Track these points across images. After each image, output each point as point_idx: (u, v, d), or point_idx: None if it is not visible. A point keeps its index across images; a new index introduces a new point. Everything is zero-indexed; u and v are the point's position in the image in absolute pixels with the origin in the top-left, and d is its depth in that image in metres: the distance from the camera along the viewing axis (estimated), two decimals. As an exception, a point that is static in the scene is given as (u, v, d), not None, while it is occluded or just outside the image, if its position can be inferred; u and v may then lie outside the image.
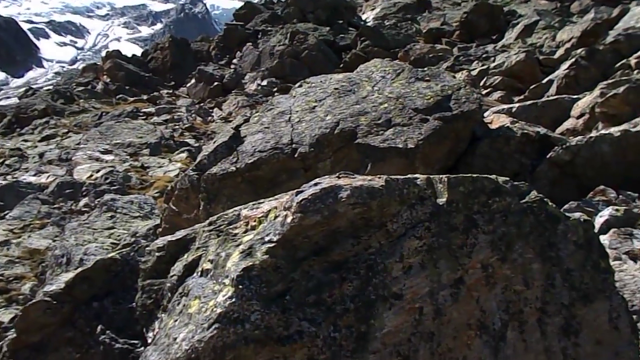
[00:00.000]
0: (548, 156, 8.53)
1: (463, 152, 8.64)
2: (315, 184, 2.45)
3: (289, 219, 2.37)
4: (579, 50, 13.38)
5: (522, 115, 10.56)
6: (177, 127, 18.34)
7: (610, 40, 12.81)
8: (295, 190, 2.45)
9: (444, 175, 2.83)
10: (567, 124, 10.44)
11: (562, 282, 2.90)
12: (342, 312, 2.37)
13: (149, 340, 2.68)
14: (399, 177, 2.70)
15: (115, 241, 9.69)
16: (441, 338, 2.53)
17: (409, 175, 2.78)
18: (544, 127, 9.55)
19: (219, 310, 2.18)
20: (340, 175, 2.60)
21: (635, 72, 11.28)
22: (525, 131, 8.99)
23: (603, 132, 8.90)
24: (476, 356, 2.58)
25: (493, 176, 3.00)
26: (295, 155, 7.84)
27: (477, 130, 8.94)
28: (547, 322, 2.80)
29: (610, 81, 10.50)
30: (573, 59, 12.87)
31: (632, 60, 11.72)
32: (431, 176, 2.84)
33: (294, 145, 7.92)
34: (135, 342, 3.41)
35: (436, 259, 2.63)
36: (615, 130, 8.72)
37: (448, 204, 2.75)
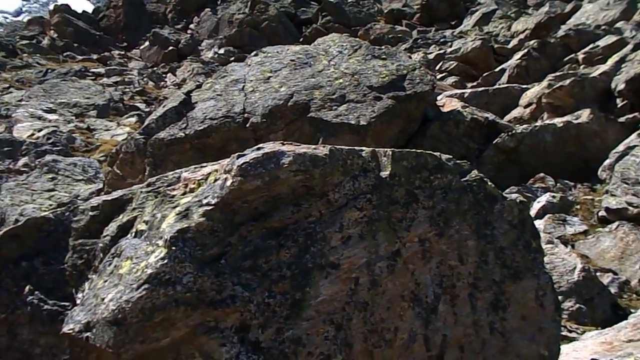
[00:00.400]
0: (494, 142, 8.79)
1: (414, 133, 8.77)
2: (258, 149, 2.41)
3: (228, 182, 2.32)
4: (531, 42, 13.74)
5: (473, 101, 10.80)
6: (127, 90, 17.68)
7: (561, 34, 13.22)
8: (237, 154, 2.40)
9: (389, 149, 2.84)
10: (515, 112, 10.76)
11: (494, 259, 3.00)
12: (278, 279, 2.35)
13: (78, 302, 2.59)
14: (343, 147, 2.68)
15: (54, 204, 9.30)
16: (375, 308, 2.57)
17: (354, 147, 2.77)
18: (493, 114, 9.81)
19: (149, 271, 2.12)
20: (285, 143, 2.56)
21: (582, 66, 11.70)
22: (475, 116, 9.20)
23: (547, 122, 9.22)
24: (408, 327, 2.64)
25: (437, 153, 3.04)
26: (247, 125, 7.72)
27: (429, 112, 9.08)
28: (478, 297, 2.89)
29: (558, 74, 10.87)
30: (525, 50, 13.22)
31: (580, 55, 12.15)
32: (376, 149, 2.84)
33: (246, 115, 7.79)
34: (66, 304, 3.28)
35: (375, 230, 2.65)
36: (558, 121, 9.06)
37: (391, 177, 2.77)
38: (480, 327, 2.86)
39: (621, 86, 9.26)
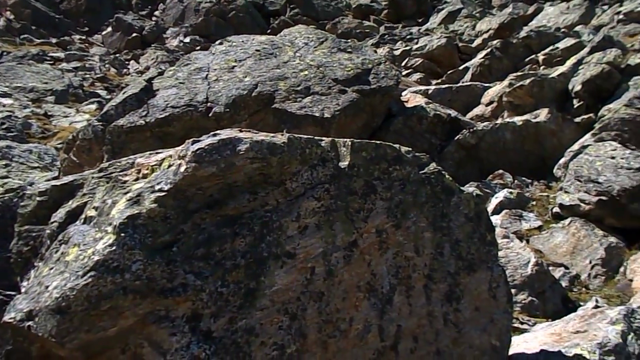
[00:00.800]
0: (456, 138, 8.92)
1: (378, 128, 8.81)
2: (214, 135, 2.35)
3: (182, 168, 2.26)
4: (495, 42, 13.99)
5: (437, 98, 10.93)
6: (87, 76, 17.13)
7: (523, 35, 13.50)
8: (192, 139, 2.34)
9: (349, 139, 2.83)
10: (477, 110, 10.94)
11: (450, 251, 3.03)
12: (232, 268, 2.31)
13: (22, 290, 2.49)
14: (302, 136, 2.66)
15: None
16: (330, 298, 2.56)
17: (313, 136, 2.75)
18: (455, 111, 9.96)
19: (96, 258, 2.04)
20: (242, 130, 2.52)
21: (542, 67, 12.00)
22: (438, 113, 9.32)
23: (507, 120, 9.42)
24: (363, 317, 2.64)
25: (396, 145, 3.05)
26: (210, 115, 7.59)
27: (393, 107, 9.15)
28: (433, 288, 2.92)
29: (519, 73, 11.10)
30: (489, 49, 13.45)
31: (540, 57, 12.45)
32: (336, 139, 2.83)
33: (209, 104, 7.66)
34: (13, 293, 3.16)
35: (333, 221, 2.64)
36: (518, 119, 9.27)
37: (350, 167, 2.76)
38: (434, 318, 2.89)
39: (578, 87, 9.54)
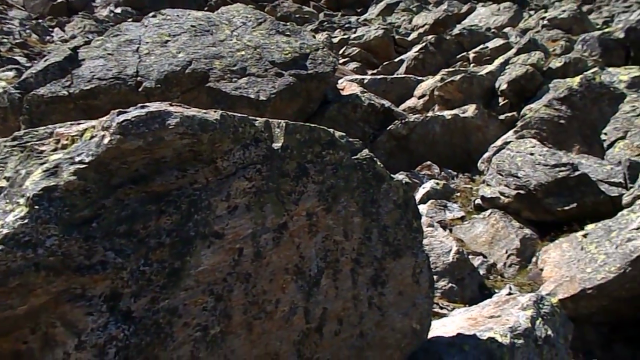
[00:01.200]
0: (388, 128, 9.11)
1: (313, 113, 8.82)
2: (142, 107, 2.24)
3: (106, 140, 2.13)
4: (429, 37, 14.36)
5: (372, 88, 11.10)
6: (5, 40, 15.91)
7: (456, 32, 13.95)
8: (118, 110, 2.21)
9: (283, 121, 2.80)
10: (410, 102, 11.22)
11: (378, 236, 3.09)
12: (156, 246, 2.23)
13: None
14: (236, 114, 2.59)
15: None
16: (257, 280, 2.53)
17: (248, 115, 2.69)
18: (389, 102, 10.16)
19: (5, 231, 1.89)
20: (173, 104, 2.41)
21: (472, 65, 12.46)
22: (372, 102, 9.46)
23: (437, 113, 9.73)
24: (289, 299, 2.64)
25: (330, 129, 3.05)
26: (140, 89, 7.28)
27: (329, 94, 9.18)
28: (359, 272, 2.97)
29: (450, 69, 11.47)
30: (423, 44, 13.80)
31: (471, 54, 12.92)
32: (270, 120, 2.78)
33: (139, 79, 7.33)
34: None
35: (263, 202, 2.60)
36: (447, 113, 9.60)
37: (283, 149, 2.73)
38: (360, 301, 2.94)
39: (504, 86, 10.00)
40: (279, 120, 2.80)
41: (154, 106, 2.28)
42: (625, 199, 5.68)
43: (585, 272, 4.88)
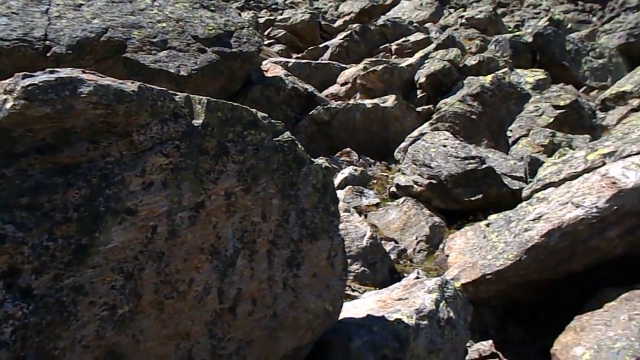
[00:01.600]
0: (310, 113, 9.18)
1: (235, 93, 8.68)
2: (52, 72, 2.09)
3: (8, 105, 1.97)
4: (355, 25, 14.54)
5: (296, 72, 11.10)
6: None
7: (380, 23, 14.24)
8: (23, 73, 2.05)
9: (205, 97, 2.73)
10: (332, 89, 11.34)
11: (295, 219, 3.12)
12: (62, 221, 2.10)
13: None
14: (155, 87, 2.49)
15: None
16: (171, 259, 2.47)
17: (167, 89, 2.59)
18: (312, 87, 10.21)
19: None
20: (86, 71, 2.27)
21: (394, 56, 12.79)
22: (296, 86, 9.47)
23: (359, 101, 9.93)
24: (203, 279, 2.60)
25: (253, 109, 3.01)
26: (48, 54, 6.78)
27: (253, 75, 9.06)
28: (276, 253, 2.98)
29: (373, 59, 11.71)
30: (349, 32, 13.95)
31: (393, 46, 13.26)
32: (191, 95, 2.70)
33: (47, 43, 6.82)
34: None
35: (180, 179, 2.53)
36: (368, 102, 9.82)
37: (203, 126, 2.66)
38: (274, 283, 2.96)
39: (422, 79, 10.38)
40: (201, 97, 2.72)
41: (64, 72, 2.14)
42: (525, 192, 6.12)
43: (486, 259, 5.21)
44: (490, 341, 4.86)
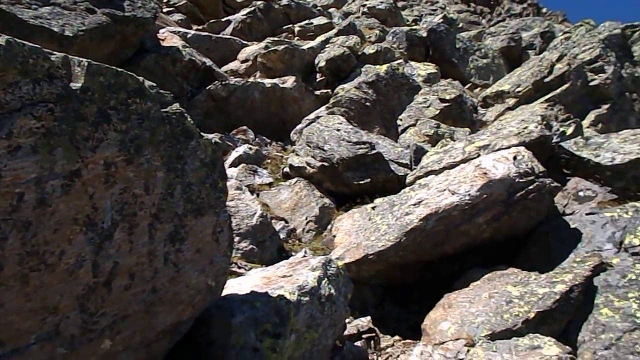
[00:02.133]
0: (208, 88, 8.95)
1: (127, 60, 8.21)
2: None
3: None
4: (259, 2, 14.33)
5: (195, 44, 10.73)
6: None
7: (285, 3, 14.17)
8: None
9: (85, 59, 2.56)
10: (232, 65, 11.14)
11: (181, 193, 3.05)
12: None
13: None
14: (27, 43, 2.29)
15: None
16: (39, 229, 2.32)
17: (41, 47, 2.40)
18: (211, 61, 9.95)
19: None
20: (-56, 17, 2.04)
21: (297, 38, 12.82)
22: (194, 59, 9.16)
23: (258, 80, 9.85)
24: (76, 252, 2.47)
25: (140, 77, 2.89)
26: None
27: (147, 42, 8.63)
28: (158, 227, 2.91)
29: (275, 38, 11.65)
30: (252, 9, 13.73)
31: (297, 28, 13.28)
32: (70, 56, 2.52)
33: None
34: None
35: (54, 145, 2.37)
36: (267, 81, 9.77)
37: (82, 90, 2.51)
38: (155, 257, 2.89)
39: (322, 63, 10.52)
40: (81, 59, 2.56)
41: None
42: (409, 179, 6.49)
43: (370, 240, 5.48)
44: (369, 317, 5.13)
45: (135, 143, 2.77)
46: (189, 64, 8.86)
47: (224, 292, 3.66)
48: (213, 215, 3.29)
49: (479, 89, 12.12)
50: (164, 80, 8.32)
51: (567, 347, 3.97)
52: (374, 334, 5.04)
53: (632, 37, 12.41)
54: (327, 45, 11.15)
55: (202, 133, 3.29)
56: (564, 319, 4.34)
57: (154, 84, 2.99)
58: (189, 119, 3.17)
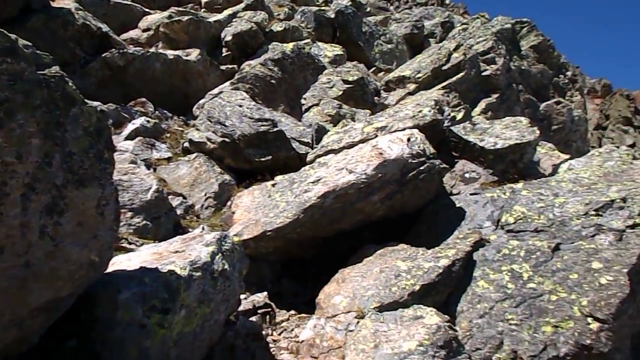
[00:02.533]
0: (103, 55, 8.42)
1: (9, 20, 7.49)
2: None
3: None
4: (163, -31, 13.63)
5: (91, 8, 10.03)
6: None
7: (192, -28, 13.58)
8: None
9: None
10: (133, 33, 10.56)
11: (60, 162, 2.87)
12: None
13: None
14: None
15: None
16: None
17: None
18: (108, 27, 9.35)
19: None
20: None
21: (203, 10, 12.40)
22: (88, 23, 8.56)
23: (160, 51, 9.43)
24: None
25: (12, 35, 2.65)
26: None
27: (35, 1, 7.92)
28: (33, 199, 2.72)
29: (180, 9, 11.19)
30: (156, -25, 13.02)
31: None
32: None
33: None
34: None
35: None
36: (170, 53, 9.38)
37: (-60, 45, 2.26)
38: (29, 230, 2.70)
39: (229, 38, 10.28)
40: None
41: None
42: (309, 157, 6.58)
43: (268, 217, 5.51)
44: (265, 293, 5.18)
45: (5, 106, 2.55)
46: (82, 28, 8.28)
47: (112, 268, 3.52)
48: (98, 188, 3.13)
49: (382, 73, 12.49)
50: (53, 44, 7.71)
51: (446, 316, 4.27)
52: (269, 309, 5.10)
53: (520, 32, 13.38)
54: (234, 20, 10.89)
55: (85, 100, 3.10)
56: (446, 291, 4.67)
57: (30, 44, 2.77)
58: (70, 84, 2.97)
